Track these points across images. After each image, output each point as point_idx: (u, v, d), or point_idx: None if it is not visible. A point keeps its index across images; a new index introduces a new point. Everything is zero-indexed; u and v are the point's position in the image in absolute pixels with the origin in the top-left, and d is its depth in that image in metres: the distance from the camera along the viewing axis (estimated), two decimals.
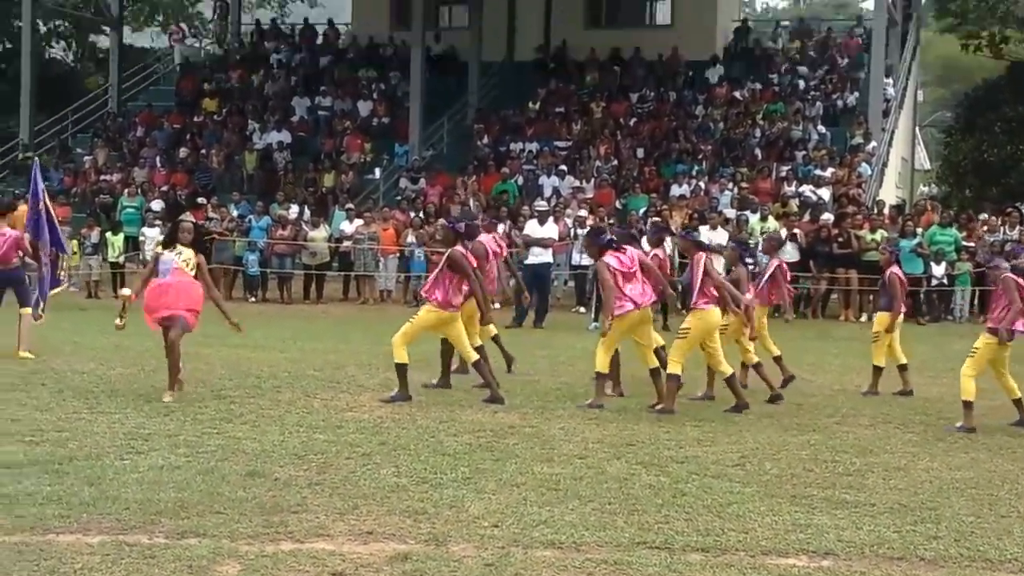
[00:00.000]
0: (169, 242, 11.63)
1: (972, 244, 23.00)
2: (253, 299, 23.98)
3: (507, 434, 10.02)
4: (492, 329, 13.95)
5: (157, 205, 27.23)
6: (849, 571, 6.59)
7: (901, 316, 13.56)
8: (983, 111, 33.89)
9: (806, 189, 25.93)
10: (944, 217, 24.05)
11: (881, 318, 13.40)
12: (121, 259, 24.92)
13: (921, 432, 10.83)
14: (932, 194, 39.08)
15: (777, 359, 13.49)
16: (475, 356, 11.94)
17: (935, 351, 16.47)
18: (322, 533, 7.02)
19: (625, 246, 11.88)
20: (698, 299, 11.53)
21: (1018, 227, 23.39)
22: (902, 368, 13.37)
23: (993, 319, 11.21)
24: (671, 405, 11.50)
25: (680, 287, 13.80)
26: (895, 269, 13.47)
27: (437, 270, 11.87)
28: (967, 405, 11.09)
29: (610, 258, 11.57)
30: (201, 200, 26.87)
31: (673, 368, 11.53)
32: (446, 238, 12.19)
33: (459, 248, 11.89)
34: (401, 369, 11.63)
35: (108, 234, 25.33)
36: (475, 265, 12.14)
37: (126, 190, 28.54)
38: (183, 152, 32.65)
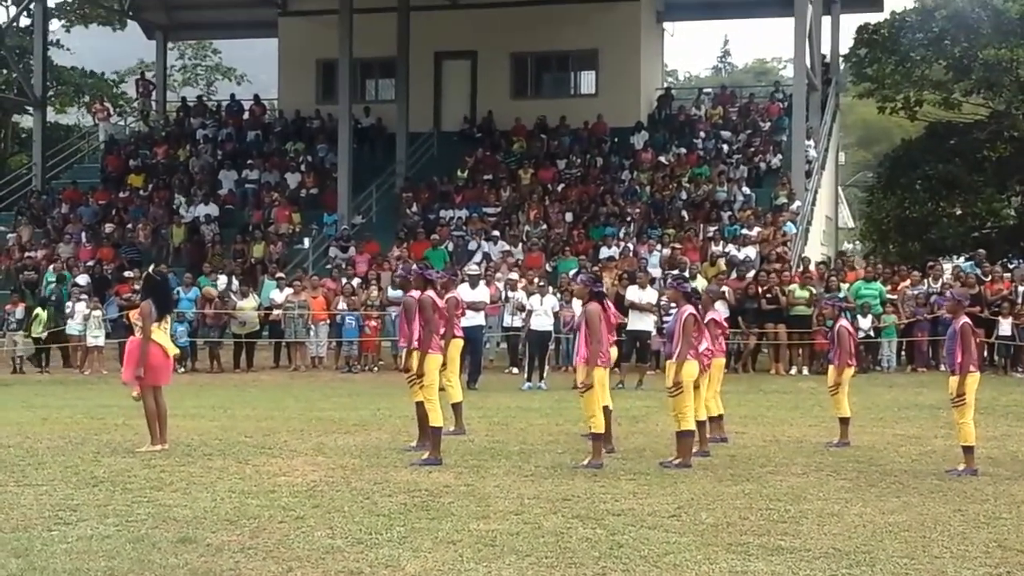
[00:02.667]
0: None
1: (896, 297, 23.36)
2: (183, 369, 23.69)
3: (442, 493, 9.96)
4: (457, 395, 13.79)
5: (83, 280, 26.91)
6: None
7: (852, 368, 13.61)
8: (904, 170, 34.53)
9: (732, 248, 26.22)
10: (869, 272, 24.41)
11: (833, 371, 13.42)
12: (45, 334, 24.50)
13: (853, 479, 10.89)
14: (850, 251, 39.65)
15: (718, 418, 13.35)
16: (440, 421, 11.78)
17: (865, 400, 16.66)
18: None
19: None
20: (684, 350, 11.46)
21: (941, 280, 23.81)
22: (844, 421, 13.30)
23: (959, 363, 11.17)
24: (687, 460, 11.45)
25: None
26: (844, 322, 13.58)
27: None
28: (969, 450, 11.24)
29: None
30: (128, 274, 26.66)
31: (687, 424, 11.48)
32: (414, 283, 12.15)
33: (413, 293, 11.93)
34: (436, 431, 11.63)
35: (38, 309, 24.83)
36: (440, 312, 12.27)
37: (51, 266, 28.20)
38: (108, 227, 32.37)
